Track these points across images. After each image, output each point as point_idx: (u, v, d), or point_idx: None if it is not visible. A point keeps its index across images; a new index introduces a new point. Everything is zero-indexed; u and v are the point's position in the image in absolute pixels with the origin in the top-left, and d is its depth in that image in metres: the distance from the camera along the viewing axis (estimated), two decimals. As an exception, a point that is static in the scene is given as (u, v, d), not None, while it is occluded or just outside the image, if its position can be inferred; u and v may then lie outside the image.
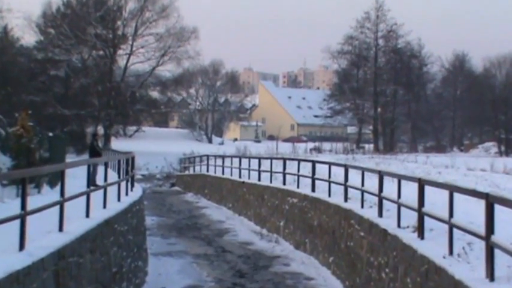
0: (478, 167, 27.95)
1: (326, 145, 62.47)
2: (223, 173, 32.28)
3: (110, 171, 15.19)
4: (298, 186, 20.29)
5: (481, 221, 7.69)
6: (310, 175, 19.16)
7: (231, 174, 30.27)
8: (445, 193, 8.89)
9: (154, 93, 67.38)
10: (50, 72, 55.92)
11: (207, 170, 36.48)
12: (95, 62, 58.89)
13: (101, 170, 15.43)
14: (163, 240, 20.80)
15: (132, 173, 18.31)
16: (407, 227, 10.78)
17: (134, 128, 69.85)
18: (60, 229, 9.13)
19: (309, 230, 18.15)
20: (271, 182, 23.62)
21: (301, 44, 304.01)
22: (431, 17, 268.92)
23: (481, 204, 7.59)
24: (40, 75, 55.71)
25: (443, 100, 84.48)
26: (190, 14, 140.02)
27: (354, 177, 15.40)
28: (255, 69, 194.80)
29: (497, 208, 7.30)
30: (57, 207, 9.18)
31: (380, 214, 12.41)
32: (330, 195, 16.82)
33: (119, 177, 16.52)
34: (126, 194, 15.85)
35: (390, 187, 12.71)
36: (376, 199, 12.86)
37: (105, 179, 13.16)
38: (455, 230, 8.55)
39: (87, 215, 10.90)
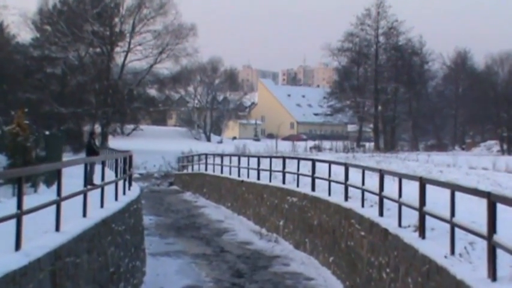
0: (480, 165, 27.93)
1: (326, 143, 62.44)
2: (222, 172, 32.24)
3: (107, 170, 15.14)
4: (297, 185, 20.20)
5: (483, 220, 7.62)
6: (310, 174, 19.07)
7: (230, 173, 30.21)
8: (447, 192, 8.81)
9: (152, 91, 67.10)
10: (46, 69, 55.55)
11: (206, 169, 36.40)
12: (92, 59, 58.51)
13: (98, 168, 15.36)
14: (161, 240, 20.73)
15: (129, 172, 18.23)
16: (409, 226, 10.71)
17: (132, 126, 69.84)
18: (57, 229, 9.06)
19: (308, 230, 18.06)
20: (270, 181, 23.53)
21: (300, 41, 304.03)
22: (432, 14, 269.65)
23: (483, 203, 7.51)
24: (36, 73, 55.37)
25: (445, 98, 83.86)
26: (188, 11, 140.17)
27: (355, 176, 15.34)
28: (254, 67, 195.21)
29: (500, 207, 7.22)
30: (54, 206, 9.12)
31: (381, 213, 12.33)
32: (330, 194, 16.75)
33: (117, 176, 16.47)
34: (124, 193, 15.76)
35: (391, 186, 12.69)
36: (376, 198, 12.78)
37: (103, 178, 13.10)
38: (457, 230, 8.48)
39: (84, 215, 10.83)
